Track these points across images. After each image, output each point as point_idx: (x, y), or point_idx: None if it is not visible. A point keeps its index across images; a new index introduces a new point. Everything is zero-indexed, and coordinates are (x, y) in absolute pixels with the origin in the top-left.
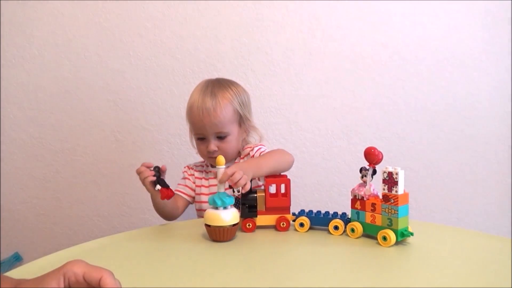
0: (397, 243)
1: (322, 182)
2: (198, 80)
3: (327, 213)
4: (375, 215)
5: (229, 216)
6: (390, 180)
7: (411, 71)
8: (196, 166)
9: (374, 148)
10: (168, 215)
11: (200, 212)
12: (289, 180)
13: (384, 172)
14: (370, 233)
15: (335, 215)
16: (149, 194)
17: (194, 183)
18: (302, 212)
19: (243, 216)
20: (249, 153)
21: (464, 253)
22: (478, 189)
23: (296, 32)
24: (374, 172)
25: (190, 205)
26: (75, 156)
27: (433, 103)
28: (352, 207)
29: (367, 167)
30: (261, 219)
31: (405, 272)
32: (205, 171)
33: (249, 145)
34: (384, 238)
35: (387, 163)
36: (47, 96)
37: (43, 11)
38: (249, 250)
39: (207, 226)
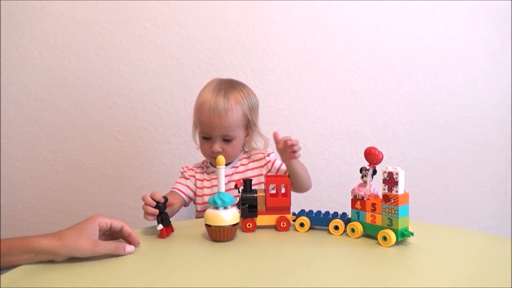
0: (397, 243)
1: (322, 182)
2: (198, 80)
3: (327, 213)
4: (375, 215)
5: (230, 216)
6: (390, 180)
7: (411, 71)
8: (196, 167)
9: (374, 148)
10: None
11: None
12: (289, 180)
13: (384, 172)
14: (370, 233)
15: (335, 215)
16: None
17: (195, 185)
18: (302, 212)
19: (243, 216)
20: (264, 158)
21: (464, 253)
22: (478, 189)
23: (296, 32)
24: (374, 172)
25: (191, 206)
26: (75, 156)
27: (433, 103)
28: (352, 207)
29: (367, 167)
30: (261, 219)
31: (405, 272)
32: (205, 172)
33: (260, 151)
34: (384, 238)
35: (387, 163)
36: (47, 96)
37: (43, 11)
38: (249, 250)
39: (207, 226)
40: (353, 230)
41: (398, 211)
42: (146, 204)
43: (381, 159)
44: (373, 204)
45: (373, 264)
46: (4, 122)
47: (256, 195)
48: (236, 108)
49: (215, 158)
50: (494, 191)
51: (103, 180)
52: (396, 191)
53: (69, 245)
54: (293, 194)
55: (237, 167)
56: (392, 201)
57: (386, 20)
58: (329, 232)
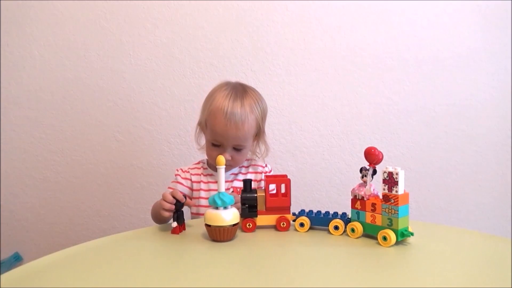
0: (397, 243)
1: (322, 182)
2: (198, 80)
3: (327, 213)
4: (375, 215)
5: (230, 216)
6: (390, 180)
7: (411, 71)
8: (191, 169)
9: (374, 148)
10: (162, 222)
11: (197, 216)
12: (289, 180)
13: (384, 172)
14: (370, 233)
15: (335, 215)
16: (149, 194)
17: (191, 188)
18: (302, 212)
19: (243, 216)
20: (261, 173)
21: (464, 253)
22: (478, 189)
23: (296, 32)
24: (374, 172)
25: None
26: (75, 156)
27: (433, 103)
28: (352, 207)
29: (367, 167)
30: (261, 219)
31: (405, 272)
32: (202, 174)
33: (260, 164)
34: (384, 238)
35: (387, 163)
36: (47, 96)
37: (43, 11)
38: (249, 250)
39: (207, 226)
40: (353, 230)
41: (398, 211)
42: (164, 200)
43: (381, 159)
44: (373, 204)
45: (373, 264)
46: (4, 122)
47: (256, 195)
48: (252, 118)
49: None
50: (494, 191)
51: (103, 180)
52: (396, 191)
53: None
54: (293, 194)
55: (236, 174)
56: (392, 201)
57: (386, 20)
58: (329, 232)
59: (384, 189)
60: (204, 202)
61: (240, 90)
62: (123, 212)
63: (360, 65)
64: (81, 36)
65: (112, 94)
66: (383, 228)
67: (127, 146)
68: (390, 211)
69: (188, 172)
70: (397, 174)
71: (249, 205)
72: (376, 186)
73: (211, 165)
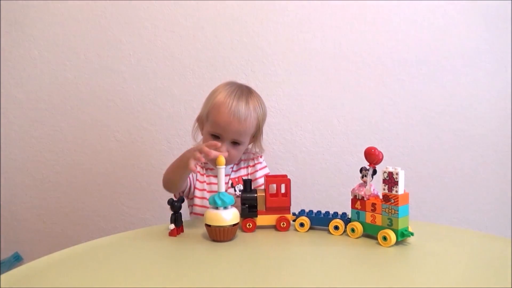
0: (397, 243)
1: (322, 182)
2: (198, 80)
3: (327, 213)
4: (375, 215)
5: (230, 216)
6: (390, 180)
7: (411, 71)
8: None
9: (375, 148)
10: (177, 189)
11: (194, 208)
12: (289, 180)
13: (384, 172)
14: (370, 233)
15: (335, 215)
16: (149, 195)
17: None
18: (302, 212)
19: (243, 216)
20: (254, 159)
21: (464, 253)
22: (478, 189)
23: (296, 32)
24: (375, 172)
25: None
26: (75, 156)
27: (433, 103)
28: (352, 207)
29: (368, 167)
30: (261, 219)
31: (405, 272)
32: (204, 167)
33: (254, 153)
34: (384, 238)
35: (387, 163)
36: (47, 96)
37: (43, 11)
38: (249, 250)
39: (207, 226)
40: (353, 230)
41: (398, 211)
42: (199, 150)
43: (381, 159)
44: (373, 204)
45: (373, 264)
46: (4, 122)
47: (256, 195)
48: (254, 116)
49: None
50: (494, 191)
51: (103, 180)
52: (396, 191)
53: None
54: (293, 194)
55: (231, 166)
56: (392, 201)
57: (386, 20)
58: (329, 232)
59: (384, 189)
60: (199, 194)
61: (245, 90)
62: (123, 212)
63: (360, 65)
64: (81, 36)
65: (112, 94)
66: (383, 228)
67: (127, 146)
68: (390, 211)
69: None
70: (397, 174)
71: (249, 205)
72: (376, 186)
73: (210, 160)
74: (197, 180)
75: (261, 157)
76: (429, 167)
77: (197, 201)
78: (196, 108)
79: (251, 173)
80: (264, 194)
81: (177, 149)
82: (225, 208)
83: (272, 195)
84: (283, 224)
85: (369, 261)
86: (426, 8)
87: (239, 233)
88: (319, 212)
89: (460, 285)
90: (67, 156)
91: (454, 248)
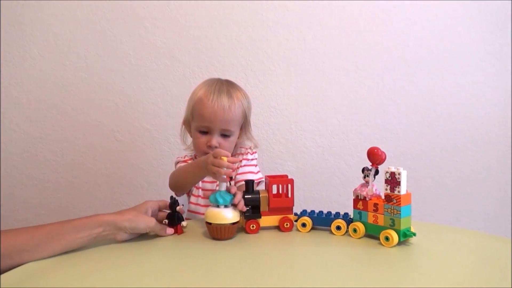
0: (400, 243)
1: (322, 182)
2: (198, 80)
3: (329, 213)
4: (378, 215)
5: (230, 214)
6: (393, 180)
7: (411, 71)
8: (188, 159)
9: (377, 148)
10: (185, 191)
11: (188, 206)
12: (292, 180)
13: (387, 172)
14: (372, 233)
15: (337, 215)
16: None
17: None
18: (304, 212)
19: (246, 217)
20: (243, 154)
21: (465, 253)
22: (478, 189)
23: (296, 32)
24: (377, 172)
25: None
26: (75, 156)
27: (433, 103)
28: (354, 207)
29: (370, 167)
30: (264, 220)
31: (407, 273)
32: None
33: (245, 147)
34: (387, 239)
35: (387, 163)
36: (47, 96)
37: (43, 11)
38: (251, 251)
39: (208, 224)
40: (355, 230)
41: (400, 211)
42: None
43: (384, 159)
44: (375, 204)
45: (375, 264)
46: (4, 122)
47: (259, 196)
48: (238, 104)
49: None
50: (494, 191)
51: (103, 180)
52: (399, 191)
53: (130, 219)
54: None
55: None
56: (394, 201)
57: (386, 20)
58: (331, 232)
59: (386, 189)
60: (195, 192)
61: (225, 83)
62: None
63: (360, 65)
64: (81, 36)
65: (112, 94)
66: (385, 228)
67: (127, 146)
68: (392, 211)
69: (185, 159)
70: (399, 174)
71: (252, 206)
72: (378, 186)
73: None
74: None
75: (252, 153)
76: (429, 167)
77: (192, 199)
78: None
79: (237, 168)
80: (267, 195)
81: (177, 149)
82: (226, 206)
83: (275, 196)
84: (287, 224)
85: (371, 262)
86: (426, 8)
87: (242, 234)
88: (321, 212)
89: (461, 285)
90: (67, 156)
91: (455, 248)
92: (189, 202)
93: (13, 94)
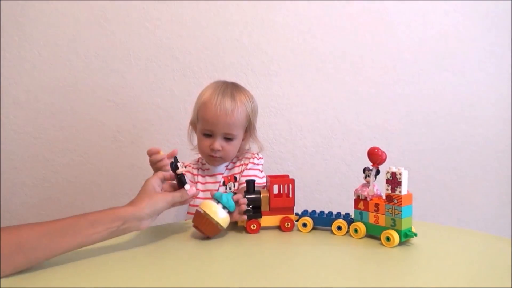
0: (401, 243)
1: (322, 182)
2: (198, 80)
3: (330, 213)
4: (379, 216)
5: (223, 215)
6: (394, 181)
7: (411, 71)
8: (192, 163)
9: (378, 148)
10: None
11: (191, 208)
12: (293, 180)
13: (388, 172)
14: (373, 233)
15: (338, 215)
16: None
17: (192, 181)
18: (305, 212)
19: (247, 217)
20: (249, 158)
21: (465, 254)
22: (478, 189)
23: (296, 32)
24: (378, 172)
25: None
26: (75, 156)
27: (433, 103)
28: (355, 208)
29: (371, 167)
30: (265, 220)
31: (408, 273)
32: (200, 168)
33: (252, 152)
34: (388, 239)
35: (387, 163)
36: (47, 96)
37: (43, 11)
38: (252, 250)
39: (199, 211)
40: (356, 230)
41: (401, 211)
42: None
43: (385, 159)
44: (376, 205)
45: (376, 264)
46: (4, 122)
47: (260, 196)
48: (242, 108)
49: (213, 157)
50: (494, 191)
51: (103, 180)
52: (400, 192)
53: (148, 204)
54: None
55: (227, 164)
56: (396, 201)
57: (386, 20)
58: (332, 233)
59: (387, 190)
60: (200, 194)
61: (230, 86)
62: None
63: (360, 65)
64: (81, 36)
65: (112, 94)
66: (386, 228)
67: (127, 146)
68: (393, 211)
69: (190, 166)
70: (400, 174)
71: (253, 206)
72: (379, 187)
73: (206, 158)
74: (198, 182)
75: (258, 158)
76: (429, 167)
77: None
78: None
79: (242, 171)
80: (268, 194)
81: (177, 149)
82: (224, 208)
83: (276, 196)
84: (287, 224)
85: (372, 262)
86: (427, 8)
87: (242, 234)
88: (322, 212)
89: (462, 285)
90: (67, 156)
91: (456, 248)
92: (190, 205)
93: (13, 94)
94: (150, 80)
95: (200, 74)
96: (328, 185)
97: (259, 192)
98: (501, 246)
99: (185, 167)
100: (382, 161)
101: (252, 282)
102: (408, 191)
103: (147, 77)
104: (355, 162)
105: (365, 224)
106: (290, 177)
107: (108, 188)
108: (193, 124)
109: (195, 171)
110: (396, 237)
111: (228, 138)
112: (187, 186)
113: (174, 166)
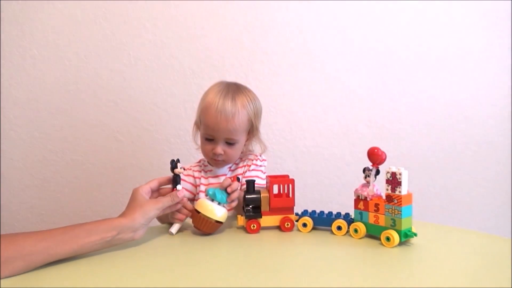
0: (401, 243)
1: (322, 182)
2: (198, 80)
3: (330, 213)
4: (379, 216)
5: (221, 212)
6: (394, 181)
7: (411, 71)
8: (193, 166)
9: (378, 148)
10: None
11: None
12: (293, 180)
13: (388, 172)
14: (373, 233)
15: (338, 215)
16: None
17: (194, 184)
18: (305, 212)
19: (247, 217)
20: (252, 160)
21: (465, 253)
22: (478, 189)
23: (296, 32)
24: (378, 172)
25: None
26: (75, 156)
27: (433, 103)
28: (355, 208)
29: (371, 167)
30: (265, 220)
31: (408, 273)
32: (203, 170)
33: (254, 153)
34: (388, 239)
35: (387, 163)
36: (47, 96)
37: (43, 11)
38: (252, 250)
39: (196, 212)
40: (356, 230)
41: (401, 211)
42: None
43: (384, 159)
44: (376, 205)
45: (376, 264)
46: (4, 122)
47: (260, 196)
48: (243, 112)
49: (215, 160)
50: (494, 191)
51: (103, 180)
52: (400, 192)
53: (140, 214)
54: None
55: (230, 166)
56: (395, 201)
57: (386, 20)
58: (332, 233)
59: (387, 190)
60: (202, 196)
61: (232, 88)
62: None
63: (360, 65)
64: (81, 36)
65: (112, 94)
66: (386, 228)
67: (127, 146)
68: (393, 211)
69: (190, 169)
70: (400, 174)
71: (253, 206)
72: (379, 187)
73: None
74: (201, 184)
75: (261, 160)
76: (429, 167)
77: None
78: (196, 108)
79: (244, 173)
80: (268, 194)
81: (177, 149)
82: (219, 204)
83: (276, 196)
84: (287, 224)
85: (372, 262)
86: (427, 8)
87: (242, 234)
88: (322, 212)
89: (461, 285)
90: (67, 156)
91: (456, 248)
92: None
93: (13, 94)
94: (150, 80)
95: (200, 74)
96: (328, 185)
97: (259, 192)
98: (501, 246)
99: (184, 169)
100: (382, 161)
101: (252, 282)
102: (408, 191)
103: (147, 77)
104: (355, 162)
105: (365, 224)
106: (290, 177)
107: (108, 188)
108: (197, 125)
109: (196, 174)
110: (396, 237)
111: (230, 143)
112: (179, 187)
113: (174, 166)
